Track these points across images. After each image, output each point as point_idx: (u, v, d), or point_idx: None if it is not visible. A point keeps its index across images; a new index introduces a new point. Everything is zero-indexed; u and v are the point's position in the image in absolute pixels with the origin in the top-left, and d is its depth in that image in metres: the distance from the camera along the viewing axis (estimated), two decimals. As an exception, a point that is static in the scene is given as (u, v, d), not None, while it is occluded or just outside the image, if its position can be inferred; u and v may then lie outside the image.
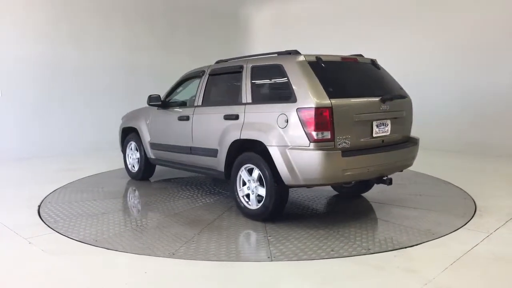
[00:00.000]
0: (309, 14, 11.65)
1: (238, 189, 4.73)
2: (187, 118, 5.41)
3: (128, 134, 6.83)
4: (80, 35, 9.72)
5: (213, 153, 5.01)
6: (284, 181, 4.23)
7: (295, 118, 4.08)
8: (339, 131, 4.02)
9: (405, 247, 3.73)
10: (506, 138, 8.44)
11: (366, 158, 4.20)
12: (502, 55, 8.53)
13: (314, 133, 3.98)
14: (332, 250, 3.71)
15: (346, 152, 4.04)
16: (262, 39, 13.00)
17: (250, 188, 4.59)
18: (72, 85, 9.65)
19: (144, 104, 6.17)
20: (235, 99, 4.92)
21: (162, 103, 5.93)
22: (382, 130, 4.40)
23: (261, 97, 4.61)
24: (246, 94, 4.67)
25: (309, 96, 4.02)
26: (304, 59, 4.29)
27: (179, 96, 6.03)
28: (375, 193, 5.50)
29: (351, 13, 10.76)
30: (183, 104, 5.86)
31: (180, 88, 5.99)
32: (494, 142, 8.56)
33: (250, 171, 4.61)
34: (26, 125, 9.05)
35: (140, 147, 6.49)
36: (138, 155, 6.60)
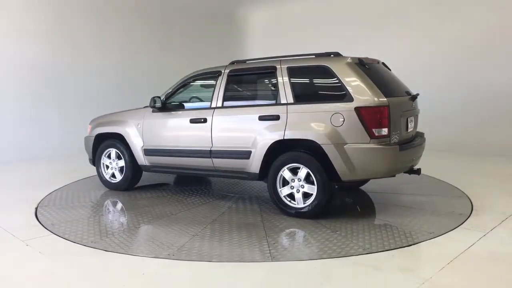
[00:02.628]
0: (306, 14, 11.60)
1: (279, 189, 4.74)
2: (204, 121, 5.17)
3: (102, 141, 6.18)
4: (75, 37, 9.65)
5: (244, 154, 4.90)
6: (341, 177, 4.42)
7: (353, 117, 4.29)
8: (393, 127, 4.38)
9: (402, 247, 3.75)
10: (503, 138, 8.42)
11: (410, 151, 4.64)
12: (502, 55, 8.50)
13: (375, 130, 4.25)
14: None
15: (399, 147, 4.42)
16: (258, 40, 12.85)
17: (295, 187, 4.65)
18: (67, 86, 9.56)
19: (137, 105, 5.68)
20: (270, 100, 4.92)
21: (163, 105, 5.54)
22: (411, 126, 4.89)
23: (305, 97, 4.68)
24: (286, 95, 4.70)
25: (368, 95, 4.28)
26: (352, 60, 4.54)
27: (177, 98, 5.70)
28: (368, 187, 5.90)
29: (348, 14, 10.78)
30: (188, 106, 5.56)
31: (181, 89, 5.66)
32: (490, 141, 8.55)
33: (292, 170, 4.66)
34: (21, 126, 8.95)
35: (124, 154, 5.93)
36: (121, 163, 6.01)
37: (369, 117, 4.26)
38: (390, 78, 4.94)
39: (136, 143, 5.78)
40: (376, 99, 4.27)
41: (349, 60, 4.54)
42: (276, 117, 4.69)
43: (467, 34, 8.91)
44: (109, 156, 6.13)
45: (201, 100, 5.95)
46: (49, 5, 9.24)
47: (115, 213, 5.16)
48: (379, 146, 4.27)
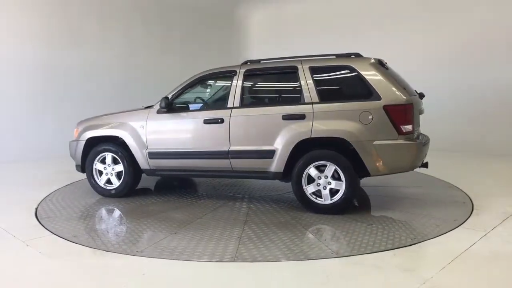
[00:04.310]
0: (306, 14, 11.48)
1: (304, 187, 4.81)
2: (221, 121, 5.06)
3: (94, 145, 5.76)
4: (75, 37, 9.70)
5: (267, 154, 4.89)
6: (370, 172, 4.61)
7: (382, 114, 4.50)
8: (415, 124, 4.67)
9: (403, 247, 3.75)
10: (503, 137, 8.47)
11: (426, 146, 4.97)
12: (499, 54, 8.55)
13: (403, 127, 4.51)
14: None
15: (422, 142, 4.73)
16: (258, 40, 12.69)
17: (321, 184, 4.75)
18: (67, 86, 9.61)
19: (137, 106, 5.37)
20: (292, 99, 4.96)
21: (172, 105, 5.32)
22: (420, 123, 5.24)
23: (330, 96, 4.79)
24: (311, 94, 4.78)
25: (396, 94, 4.52)
26: (374, 61, 4.75)
27: (185, 99, 5.51)
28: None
29: (348, 14, 10.76)
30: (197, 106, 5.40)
31: (190, 90, 5.47)
32: (490, 141, 8.61)
33: (317, 168, 4.75)
34: (21, 126, 9.01)
35: (123, 158, 5.57)
36: (118, 168, 5.64)
37: (397, 115, 4.50)
38: (398, 77, 5.24)
39: (139, 146, 5.47)
40: (403, 97, 4.53)
41: (372, 60, 4.75)
42: (302, 116, 4.75)
43: (466, 34, 9.02)
44: (102, 161, 5.73)
45: (203, 101, 5.81)
46: (49, 5, 9.26)
47: (135, 220, 4.75)
48: (407, 142, 4.53)
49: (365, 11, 10.60)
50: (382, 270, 3.29)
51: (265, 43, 12.68)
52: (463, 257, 3.48)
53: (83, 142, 5.77)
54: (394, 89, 4.56)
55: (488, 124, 8.86)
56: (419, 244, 3.82)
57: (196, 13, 11.96)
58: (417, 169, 5.46)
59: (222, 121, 5.07)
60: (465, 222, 4.37)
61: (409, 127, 4.56)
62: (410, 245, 3.78)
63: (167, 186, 6.50)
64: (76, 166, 5.93)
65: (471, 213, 4.69)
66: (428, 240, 3.90)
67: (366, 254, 3.59)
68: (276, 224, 4.48)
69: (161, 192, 6.02)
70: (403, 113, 4.51)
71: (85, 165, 5.80)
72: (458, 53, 9.18)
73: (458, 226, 4.25)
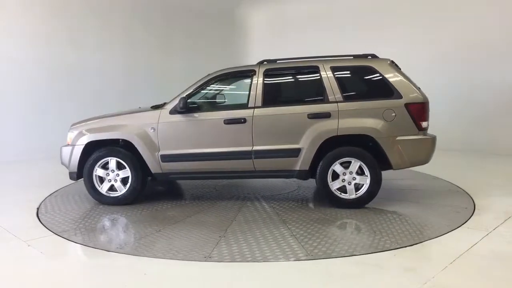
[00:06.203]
0: (307, 14, 11.33)
1: (330, 183, 4.96)
2: (243, 121, 5.00)
3: (94, 149, 5.33)
4: (76, 37, 9.71)
5: (292, 153, 4.96)
6: (393, 166, 4.90)
7: (404, 112, 4.83)
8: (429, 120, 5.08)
9: (404, 246, 3.75)
10: (504, 137, 8.56)
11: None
12: (503, 54, 8.57)
13: (422, 123, 4.87)
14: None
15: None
16: (259, 40, 12.41)
17: (346, 180, 4.94)
18: (67, 86, 9.61)
19: (134, 106, 5.08)
20: (315, 98, 5.06)
21: (187, 106, 5.11)
22: None
23: (354, 95, 4.99)
24: (334, 93, 4.94)
25: (416, 93, 4.87)
26: (390, 61, 5.06)
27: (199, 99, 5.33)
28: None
29: (349, 14, 10.73)
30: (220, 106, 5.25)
31: (204, 90, 5.30)
32: (491, 140, 8.69)
33: (341, 164, 4.94)
34: (22, 126, 9.03)
35: (130, 162, 5.22)
36: (123, 173, 5.27)
37: (417, 112, 4.85)
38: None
39: (150, 149, 5.18)
40: (421, 96, 4.90)
41: (389, 61, 5.06)
42: (327, 115, 4.90)
43: (469, 32, 9.05)
44: (103, 167, 5.31)
45: (207, 101, 5.67)
46: (50, 5, 9.27)
47: (167, 226, 4.47)
48: (426, 137, 4.91)
49: (366, 11, 10.64)
50: (384, 270, 3.32)
51: (265, 43, 12.67)
52: (465, 257, 3.50)
53: (81, 147, 5.30)
54: (413, 88, 4.91)
55: (490, 124, 8.98)
56: (420, 243, 3.86)
57: (196, 13, 11.99)
58: (415, 168, 5.92)
59: (244, 121, 5.01)
60: (467, 222, 4.42)
61: (426, 124, 4.94)
62: (412, 245, 3.81)
63: (155, 192, 6.19)
64: (70, 173, 5.42)
65: (472, 213, 4.77)
66: (430, 240, 3.94)
67: (367, 254, 3.62)
68: (314, 220, 4.56)
69: (165, 198, 5.73)
70: (422, 110, 4.88)
71: (81, 172, 5.33)
72: (460, 54, 9.29)
73: (459, 226, 4.30)
